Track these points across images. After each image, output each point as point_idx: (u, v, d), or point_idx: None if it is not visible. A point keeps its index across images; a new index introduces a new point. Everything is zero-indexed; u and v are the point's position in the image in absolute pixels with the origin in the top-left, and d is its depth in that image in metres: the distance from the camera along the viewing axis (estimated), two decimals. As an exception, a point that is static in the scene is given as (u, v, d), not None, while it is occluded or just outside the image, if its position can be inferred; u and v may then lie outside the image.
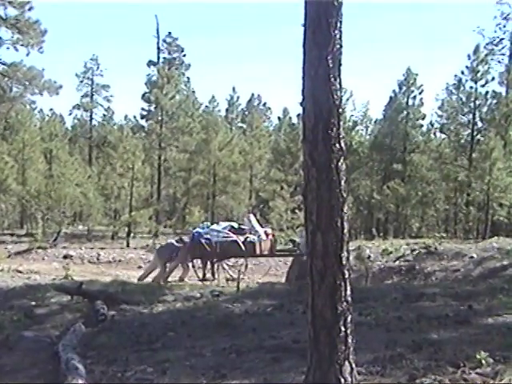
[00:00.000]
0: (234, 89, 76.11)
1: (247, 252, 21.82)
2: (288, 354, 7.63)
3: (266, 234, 23.79)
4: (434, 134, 60.03)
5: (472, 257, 22.93)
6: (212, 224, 26.00)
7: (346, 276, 5.65)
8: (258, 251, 22.55)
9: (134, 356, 8.34)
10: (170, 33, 63.89)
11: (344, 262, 5.60)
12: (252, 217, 25.24)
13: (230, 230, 22.24)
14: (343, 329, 5.61)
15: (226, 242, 21.92)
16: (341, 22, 5.65)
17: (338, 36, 5.61)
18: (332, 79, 5.51)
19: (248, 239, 22.19)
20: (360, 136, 62.89)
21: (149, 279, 21.38)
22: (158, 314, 11.73)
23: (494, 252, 23.22)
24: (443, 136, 58.42)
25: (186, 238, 22.79)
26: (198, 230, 22.92)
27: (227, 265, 23.34)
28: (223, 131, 55.66)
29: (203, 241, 21.48)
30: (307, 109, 5.59)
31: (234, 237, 21.82)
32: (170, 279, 21.21)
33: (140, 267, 32.72)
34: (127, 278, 21.85)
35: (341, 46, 5.64)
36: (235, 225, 23.78)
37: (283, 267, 22.13)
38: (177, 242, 22.58)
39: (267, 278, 22.06)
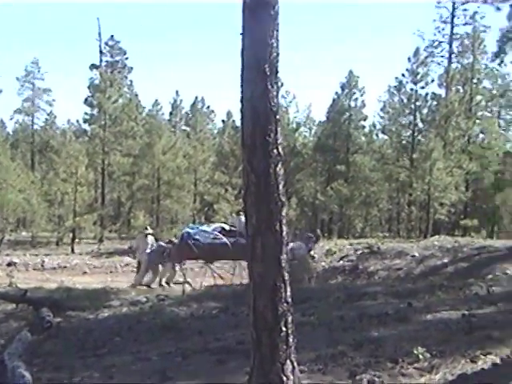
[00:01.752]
0: (177, 92, 75.84)
1: (237, 254, 21.75)
2: (232, 355, 7.74)
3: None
4: (377, 135, 60.82)
5: (414, 255, 23.31)
6: (202, 225, 25.90)
7: (286, 278, 5.78)
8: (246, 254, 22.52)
9: (80, 362, 8.35)
10: (112, 36, 63.54)
11: (283, 265, 5.74)
12: (243, 218, 25.24)
13: (220, 232, 22.10)
14: (284, 329, 5.73)
15: (216, 243, 21.76)
16: (277, 30, 5.78)
17: (274, 44, 5.73)
18: (269, 86, 5.63)
19: (238, 241, 22.12)
20: (303, 138, 63.22)
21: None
22: (104, 319, 11.74)
23: (435, 250, 23.63)
24: (385, 137, 59.21)
25: (175, 240, 22.68)
26: (187, 230, 22.74)
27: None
28: (167, 135, 55.43)
29: (192, 242, 21.28)
30: (245, 115, 5.71)
31: (224, 239, 21.73)
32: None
33: (85, 273, 32.53)
34: (73, 284, 21.68)
35: (278, 54, 5.77)
36: (226, 226, 23.67)
37: (228, 269, 22.16)
38: (166, 243, 22.50)
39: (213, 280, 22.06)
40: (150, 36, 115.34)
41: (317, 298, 11.92)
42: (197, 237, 21.60)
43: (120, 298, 14.01)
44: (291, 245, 21.76)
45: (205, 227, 23.90)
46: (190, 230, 22.34)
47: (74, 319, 11.85)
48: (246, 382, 6.04)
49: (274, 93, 5.69)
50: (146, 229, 25.36)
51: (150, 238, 23.92)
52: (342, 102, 58.85)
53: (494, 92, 58.96)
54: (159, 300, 13.73)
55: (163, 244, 22.78)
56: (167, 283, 21.83)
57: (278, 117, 5.72)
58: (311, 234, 22.61)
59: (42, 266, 35.25)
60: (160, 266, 22.36)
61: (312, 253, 22.33)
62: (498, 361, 6.65)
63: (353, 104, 59.04)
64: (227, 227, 23.41)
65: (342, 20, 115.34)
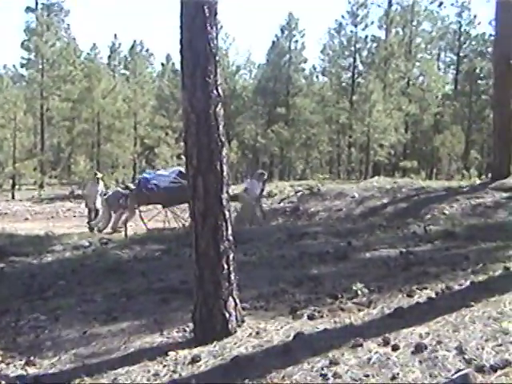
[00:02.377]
0: (115, 35, 74.99)
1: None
2: (176, 294, 7.85)
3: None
4: (317, 77, 61.05)
5: (354, 196, 23.59)
6: (159, 170, 25.68)
7: (227, 216, 5.88)
8: None
9: (26, 306, 8.36)
10: (48, -23, 61.96)
11: (224, 203, 5.83)
12: None
13: (178, 175, 21.89)
14: (226, 266, 5.86)
15: (174, 187, 21.56)
16: (216, -29, 5.80)
17: (213, -15, 5.76)
18: (208, 28, 5.66)
19: None
20: (244, 81, 63.19)
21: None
22: (48, 264, 11.69)
23: (374, 191, 23.95)
24: (325, 79, 59.40)
25: (131, 185, 22.44)
26: (144, 175, 22.53)
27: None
28: (106, 79, 54.77)
29: (150, 186, 21.05)
30: (185, 57, 5.73)
31: (183, 182, 21.63)
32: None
33: (27, 219, 32.26)
34: (14, 230, 21.49)
35: (217, -5, 5.79)
36: (183, 169, 23.55)
37: (170, 213, 22.17)
38: (123, 189, 22.28)
39: (156, 224, 22.06)
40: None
41: (258, 239, 12.05)
42: (154, 181, 21.44)
43: (63, 243, 13.92)
44: (245, 184, 21.86)
45: (161, 171, 23.78)
46: (147, 176, 22.19)
47: (17, 264, 11.77)
48: (189, 319, 6.16)
49: (214, 34, 5.72)
50: (96, 174, 25.14)
51: (101, 184, 23.82)
52: (282, 45, 58.86)
53: (434, 34, 59.39)
54: (102, 244, 13.68)
55: (121, 190, 22.60)
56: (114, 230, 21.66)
57: (217, 58, 5.76)
58: (263, 171, 22.54)
59: (-17, 213, 34.89)
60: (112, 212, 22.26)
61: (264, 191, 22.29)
62: (433, 295, 6.87)
63: (293, 46, 59.11)
64: (184, 170, 23.37)
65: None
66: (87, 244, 13.67)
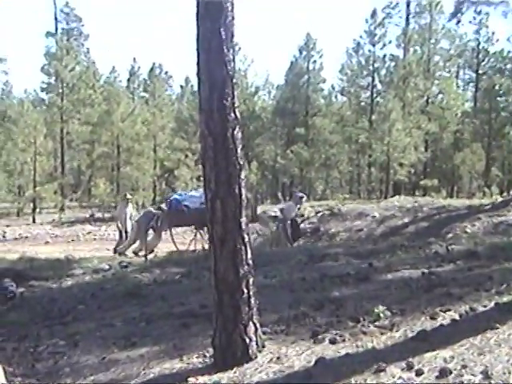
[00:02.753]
0: (134, 59, 75.32)
1: None
2: (196, 319, 7.79)
3: (247, 201, 23.64)
4: (335, 97, 61.12)
5: (374, 216, 23.52)
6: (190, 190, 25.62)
7: (246, 240, 5.82)
8: None
9: (46, 331, 8.34)
10: (67, 2, 62.66)
11: (243, 227, 5.78)
12: None
13: None
14: (246, 291, 5.79)
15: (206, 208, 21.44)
16: (233, -7, 5.78)
17: (230, 8, 5.72)
18: (225, 50, 5.63)
19: None
20: (262, 101, 63.34)
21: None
22: (68, 288, 11.69)
23: (395, 211, 23.87)
24: (344, 99, 59.40)
25: (164, 206, 22.29)
26: (175, 196, 22.45)
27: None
28: (125, 102, 55.06)
29: (181, 208, 20.93)
30: (202, 80, 5.71)
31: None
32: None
33: (47, 242, 32.36)
34: (35, 253, 21.53)
35: (233, 18, 5.75)
36: None
37: (190, 235, 22.11)
38: (155, 209, 22.11)
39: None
40: (106, 2, 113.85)
41: (278, 261, 11.99)
42: (186, 203, 21.36)
43: (83, 267, 13.94)
44: (282, 206, 21.71)
45: (193, 192, 23.72)
46: (178, 197, 22.07)
47: (37, 289, 11.78)
48: (209, 344, 6.09)
49: (231, 56, 5.69)
50: (126, 195, 24.99)
51: (130, 206, 23.74)
52: (301, 65, 59.01)
53: (452, 52, 59.32)
54: (122, 267, 13.69)
55: (153, 210, 22.42)
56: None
57: (234, 80, 5.72)
58: (302, 193, 22.26)
59: (4, 237, 35.09)
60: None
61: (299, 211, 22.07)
62: (456, 317, 6.77)
63: (311, 67, 59.21)
64: None
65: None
66: (107, 267, 13.68)
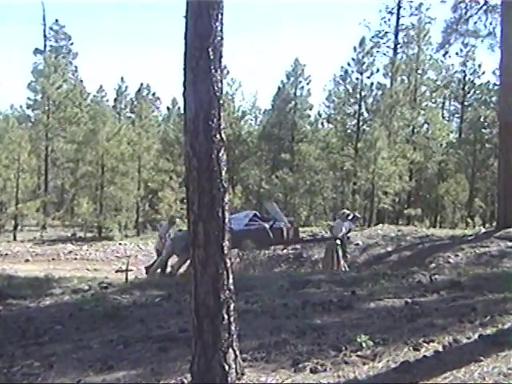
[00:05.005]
0: (122, 78, 75.24)
1: (275, 239, 21.30)
2: (175, 343, 7.67)
3: (290, 222, 23.49)
4: (322, 124, 61.23)
5: (358, 244, 23.51)
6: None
7: (228, 265, 5.72)
8: (285, 237, 22.23)
9: (21, 351, 8.18)
10: (56, 20, 62.83)
11: (226, 251, 5.68)
12: (275, 204, 24.90)
13: (252, 219, 21.67)
14: (226, 316, 5.68)
15: (250, 229, 21.28)
16: (222, 13, 5.71)
17: (219, 28, 5.66)
18: (213, 71, 5.56)
19: (274, 226, 21.72)
20: (249, 126, 63.48)
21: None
22: (46, 307, 11.53)
23: (378, 239, 23.90)
24: (330, 126, 59.53)
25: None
26: None
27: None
28: (111, 121, 54.93)
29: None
30: (188, 100, 5.63)
31: (263, 224, 21.30)
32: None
33: (27, 260, 32.12)
34: (14, 271, 21.35)
35: (222, 38, 5.70)
36: (258, 213, 23.41)
37: (173, 257, 21.94)
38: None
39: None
40: (95, 21, 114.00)
41: (260, 286, 11.89)
42: (229, 225, 21.23)
43: (62, 286, 13.79)
44: (332, 223, 21.50)
45: (237, 215, 23.68)
46: None
47: (14, 307, 11.62)
48: (187, 369, 5.97)
49: (218, 77, 5.62)
50: (173, 217, 24.52)
51: (174, 227, 23.23)
52: (288, 91, 59.21)
53: (439, 83, 59.78)
54: (102, 288, 13.55)
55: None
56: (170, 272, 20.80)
57: (221, 102, 5.65)
58: (349, 212, 21.79)
59: (-16, 253, 34.74)
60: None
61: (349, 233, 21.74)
62: (440, 348, 6.69)
63: (298, 93, 59.43)
64: (258, 214, 23.26)
65: (288, 8, 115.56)
66: (87, 288, 13.53)
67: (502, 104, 27.73)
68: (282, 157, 57.10)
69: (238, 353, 5.87)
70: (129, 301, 11.54)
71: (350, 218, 20.64)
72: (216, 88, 5.58)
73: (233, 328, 5.77)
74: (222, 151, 5.61)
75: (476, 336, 7.12)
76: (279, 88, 59.67)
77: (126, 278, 18.12)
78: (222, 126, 5.62)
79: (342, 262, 19.46)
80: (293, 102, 59.11)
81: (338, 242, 19.45)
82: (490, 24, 32.71)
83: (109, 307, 10.69)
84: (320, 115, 60.07)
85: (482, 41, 34.77)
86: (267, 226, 22.47)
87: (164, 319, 9.40)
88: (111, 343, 8.16)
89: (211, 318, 5.64)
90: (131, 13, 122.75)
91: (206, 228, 5.58)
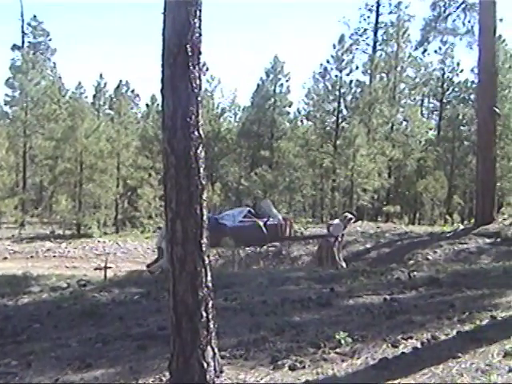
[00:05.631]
0: (101, 75, 74.72)
1: (270, 236, 21.27)
2: (154, 341, 7.65)
3: (284, 219, 23.46)
4: (301, 121, 61.16)
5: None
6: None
7: (207, 262, 5.70)
8: (279, 234, 22.19)
9: (-2, 350, 8.15)
10: (35, 16, 62.57)
11: (204, 249, 5.66)
12: (269, 201, 24.83)
13: (246, 215, 21.60)
14: (205, 314, 5.66)
15: (244, 226, 21.23)
16: (200, 10, 5.68)
17: (197, 24, 5.64)
18: (191, 67, 5.53)
19: (269, 222, 21.68)
20: (228, 123, 63.35)
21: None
22: (24, 305, 11.46)
23: (357, 236, 23.96)
24: (309, 123, 59.52)
25: None
26: (212, 215, 22.19)
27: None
28: (90, 118, 54.60)
29: (219, 226, 20.65)
30: (166, 96, 5.60)
31: (257, 220, 21.24)
32: None
33: (5, 258, 31.88)
34: (-9, 269, 21.20)
35: (200, 35, 5.67)
36: (252, 210, 23.33)
37: (151, 254, 21.92)
38: None
39: (136, 265, 21.80)
40: (74, 17, 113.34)
41: (239, 283, 11.88)
42: (223, 221, 21.18)
43: (40, 284, 13.76)
44: (332, 222, 21.47)
45: (231, 211, 23.62)
46: (216, 216, 21.92)
47: (-9, 306, 11.55)
48: (166, 367, 5.95)
49: (196, 73, 5.59)
50: None
51: None
52: (267, 88, 59.13)
53: (417, 80, 59.93)
54: (80, 286, 13.49)
55: None
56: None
57: (199, 98, 5.62)
58: (351, 215, 21.75)
59: (-39, 251, 34.45)
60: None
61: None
62: (418, 345, 6.71)
63: (278, 90, 59.34)
64: (252, 210, 23.21)
65: (268, 5, 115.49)
66: (65, 285, 13.48)
67: (481, 102, 27.91)
68: (262, 154, 57.05)
69: (216, 350, 5.85)
70: (107, 298, 11.49)
71: (352, 221, 20.73)
72: (194, 85, 5.55)
73: (211, 325, 5.75)
74: (200, 148, 5.58)
75: (454, 332, 7.14)
76: (258, 85, 59.60)
77: (105, 276, 18.07)
78: (200, 123, 5.60)
79: (340, 259, 19.50)
80: (272, 99, 59.06)
81: (333, 240, 19.46)
82: (469, 22, 32.96)
83: (87, 305, 10.65)
84: (299, 112, 60.07)
85: (461, 39, 35.03)
86: (261, 222, 22.46)
87: (143, 317, 9.36)
88: (90, 341, 8.13)
89: (190, 316, 5.62)
90: (109, 9, 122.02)
91: (184, 225, 5.55)
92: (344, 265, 18.43)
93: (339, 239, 19.69)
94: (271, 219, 22.97)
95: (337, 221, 20.76)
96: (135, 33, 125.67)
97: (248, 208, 24.11)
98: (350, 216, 20.78)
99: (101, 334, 8.38)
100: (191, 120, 5.50)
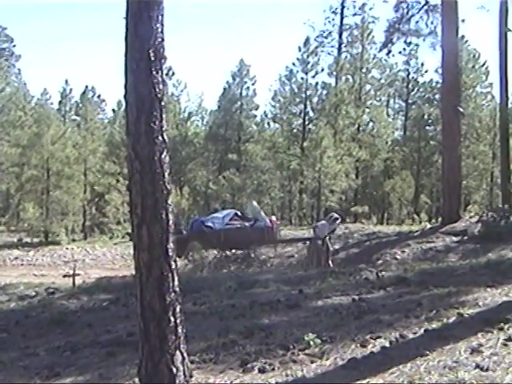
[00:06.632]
0: (66, 81, 74.32)
1: (256, 238, 21.19)
2: (123, 347, 7.62)
3: (271, 221, 23.36)
4: (268, 123, 61.29)
5: (306, 243, 23.55)
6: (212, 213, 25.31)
7: (173, 267, 5.69)
8: (265, 237, 22.08)
9: (-35, 361, 8.06)
10: (-3, 22, 61.75)
11: (171, 254, 5.64)
12: (255, 203, 24.70)
13: (232, 218, 21.49)
14: (172, 319, 5.64)
15: (231, 229, 21.12)
16: (162, 15, 5.68)
17: (159, 29, 5.63)
18: (154, 72, 5.53)
19: (255, 225, 21.58)
20: (195, 127, 63.36)
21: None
22: (-9, 315, 11.38)
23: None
24: (276, 126, 59.67)
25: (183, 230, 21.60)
26: (198, 218, 22.01)
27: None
28: (56, 124, 54.30)
29: (204, 229, 20.51)
30: (130, 102, 5.59)
31: (244, 223, 21.15)
32: None
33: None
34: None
35: (163, 40, 5.67)
36: (238, 212, 23.21)
37: (120, 260, 21.85)
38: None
39: (105, 272, 21.69)
40: (39, 23, 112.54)
41: (208, 287, 11.87)
42: (209, 224, 21.06)
43: (8, 293, 13.65)
44: (317, 223, 21.37)
45: (217, 214, 23.50)
46: (202, 218, 21.79)
47: (-42, 316, 11.44)
48: (136, 373, 5.93)
49: (160, 79, 5.58)
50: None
51: None
52: (234, 91, 59.22)
53: (383, 81, 60.31)
54: (49, 294, 13.41)
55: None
56: None
57: (163, 103, 5.62)
58: (337, 215, 21.68)
59: None
60: None
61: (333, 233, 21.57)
62: (387, 344, 6.75)
63: (244, 93, 59.49)
64: (239, 213, 23.10)
65: (234, 7, 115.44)
66: (33, 294, 13.39)
67: (445, 101, 28.16)
68: (229, 157, 57.13)
69: (185, 355, 5.83)
70: (76, 306, 11.44)
71: (338, 221, 20.76)
72: (157, 90, 5.55)
73: (179, 330, 5.74)
74: (165, 153, 5.58)
75: (422, 331, 7.20)
76: (225, 88, 59.71)
77: (74, 283, 17.98)
78: (164, 128, 5.59)
79: (329, 259, 19.52)
80: (239, 103, 59.21)
81: (320, 242, 19.48)
82: (432, 23, 33.25)
83: (56, 313, 10.59)
84: (266, 115, 60.20)
85: (424, 40, 35.27)
86: (248, 225, 22.41)
87: (112, 323, 9.33)
88: (58, 349, 8.09)
89: (157, 321, 5.60)
90: (74, 14, 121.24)
91: (149, 231, 5.53)
92: (331, 265, 18.44)
93: (326, 240, 19.75)
94: (258, 222, 22.94)
95: (322, 222, 20.84)
96: (100, 37, 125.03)
97: (235, 211, 24.04)
98: (335, 216, 20.87)
99: (69, 342, 8.34)
100: (155, 125, 5.49)
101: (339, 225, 22.50)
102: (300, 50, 54.82)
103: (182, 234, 20.88)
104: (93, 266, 21.28)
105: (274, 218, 25.47)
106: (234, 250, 23.98)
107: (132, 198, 5.64)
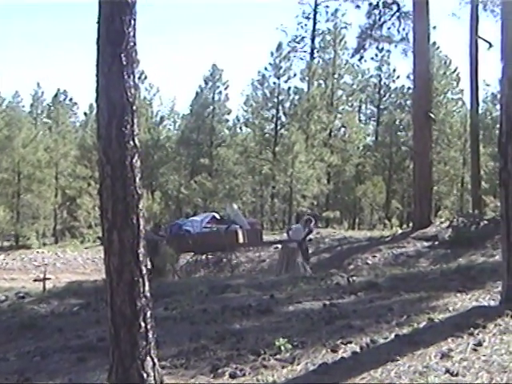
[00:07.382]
0: (38, 84, 73.85)
1: (229, 242, 21.06)
2: (93, 353, 7.57)
3: (251, 224, 23.15)
4: (240, 128, 61.35)
5: (277, 247, 23.59)
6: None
7: (144, 272, 5.67)
8: (241, 240, 21.88)
9: None
10: (-32, 25, 61.20)
11: (141, 259, 5.62)
12: (235, 206, 24.54)
13: (210, 221, 21.34)
14: (143, 324, 5.62)
15: (208, 232, 20.99)
16: (135, 19, 5.66)
17: (131, 34, 5.61)
18: (126, 76, 5.51)
19: (229, 228, 21.46)
20: (167, 131, 63.26)
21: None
22: (-40, 320, 11.25)
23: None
24: (248, 130, 59.71)
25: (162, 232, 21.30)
26: (176, 222, 21.84)
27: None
28: (27, 127, 53.97)
29: (182, 233, 20.37)
30: (101, 106, 5.57)
31: (218, 226, 21.01)
32: None
33: None
34: None
35: (135, 44, 5.65)
36: (217, 215, 23.04)
37: (91, 264, 21.73)
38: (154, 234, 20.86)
39: (76, 276, 21.56)
40: (10, 24, 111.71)
41: (180, 292, 11.84)
42: (187, 227, 20.93)
43: (-23, 297, 13.53)
44: (292, 227, 21.28)
45: (195, 217, 23.36)
46: (180, 222, 21.67)
47: None
48: (106, 379, 5.90)
49: (131, 83, 5.56)
50: (156, 224, 24.06)
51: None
52: (206, 96, 59.21)
53: (355, 87, 60.65)
54: (19, 298, 13.31)
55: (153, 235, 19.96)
56: None
57: (134, 108, 5.60)
58: (311, 217, 21.51)
59: None
60: None
61: (310, 236, 21.38)
62: (357, 349, 6.77)
63: (216, 97, 59.50)
64: (217, 216, 22.97)
65: (206, 11, 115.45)
66: (3, 298, 13.30)
67: (416, 107, 28.40)
68: (201, 162, 57.08)
69: (156, 360, 5.81)
70: (46, 310, 11.36)
71: (312, 223, 20.65)
72: (129, 94, 5.53)
73: (150, 335, 5.71)
74: (136, 158, 5.56)
75: (392, 336, 7.22)
76: (197, 93, 59.67)
77: (44, 287, 17.86)
78: (135, 133, 5.57)
79: (305, 264, 19.36)
80: (211, 107, 59.22)
81: (296, 245, 19.29)
82: (403, 30, 33.56)
83: (26, 318, 10.51)
84: (238, 120, 60.25)
85: (396, 46, 35.56)
86: (223, 228, 22.33)
87: (82, 328, 9.27)
88: (28, 355, 8.02)
89: (128, 327, 5.57)
90: (45, 16, 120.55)
91: (120, 236, 5.50)
92: (309, 269, 18.32)
93: (304, 242, 19.67)
94: (232, 225, 22.83)
95: (296, 225, 20.80)
96: (72, 40, 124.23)
97: (213, 214, 23.95)
98: (307, 217, 20.79)
99: (40, 347, 8.28)
100: (126, 130, 5.47)
101: (315, 226, 22.45)
102: (272, 54, 55.01)
103: (165, 237, 20.79)
104: (64, 270, 21.14)
105: (255, 220, 25.41)
106: (208, 254, 23.93)
107: (103, 202, 5.61)
